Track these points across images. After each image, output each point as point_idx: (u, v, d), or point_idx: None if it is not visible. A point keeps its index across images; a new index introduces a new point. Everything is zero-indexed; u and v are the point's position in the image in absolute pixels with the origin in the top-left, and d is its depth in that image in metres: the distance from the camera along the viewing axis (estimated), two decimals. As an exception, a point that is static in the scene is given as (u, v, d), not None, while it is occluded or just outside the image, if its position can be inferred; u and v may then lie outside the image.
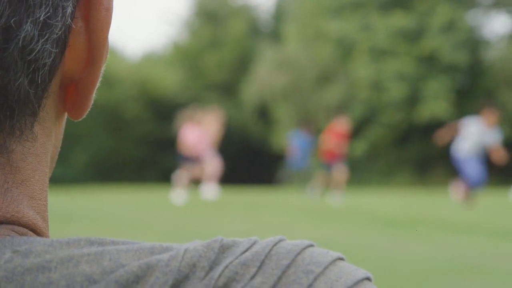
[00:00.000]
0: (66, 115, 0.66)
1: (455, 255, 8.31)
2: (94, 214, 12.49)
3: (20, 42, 0.55)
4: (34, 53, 0.56)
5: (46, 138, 0.61)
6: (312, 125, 22.28)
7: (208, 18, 37.91)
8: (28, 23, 0.55)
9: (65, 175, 25.14)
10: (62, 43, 0.59)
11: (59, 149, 0.67)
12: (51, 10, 0.56)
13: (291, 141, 21.74)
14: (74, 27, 0.59)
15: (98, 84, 0.63)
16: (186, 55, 37.50)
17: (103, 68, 0.63)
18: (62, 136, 0.66)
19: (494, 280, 6.85)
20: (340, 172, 18.79)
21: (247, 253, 0.56)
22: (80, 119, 0.65)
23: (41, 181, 0.61)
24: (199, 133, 17.80)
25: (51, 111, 0.61)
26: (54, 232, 0.67)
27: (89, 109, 0.64)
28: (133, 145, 31.30)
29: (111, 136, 30.29)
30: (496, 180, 27.00)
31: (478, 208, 15.05)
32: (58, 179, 22.93)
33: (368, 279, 0.58)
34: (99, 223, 11.10)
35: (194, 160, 17.76)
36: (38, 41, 0.56)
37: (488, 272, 7.21)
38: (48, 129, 0.61)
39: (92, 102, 0.64)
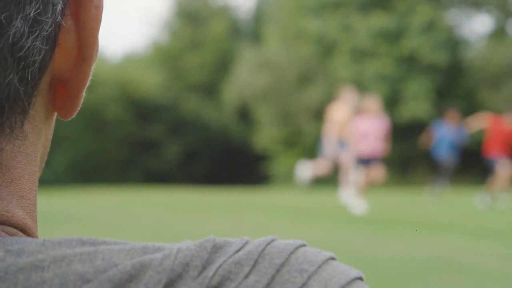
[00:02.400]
0: (55, 114, 0.65)
1: (435, 254, 8.35)
2: (76, 216, 12.46)
3: (10, 39, 0.54)
4: (24, 50, 0.55)
5: (36, 137, 0.61)
6: (456, 113, 19.03)
7: (189, 19, 37.89)
8: (18, 19, 0.54)
9: (47, 176, 24.98)
10: (52, 41, 0.58)
11: (49, 149, 0.67)
12: (41, 7, 0.56)
13: (433, 133, 19.01)
14: (64, 25, 0.59)
15: (88, 83, 0.63)
16: (166, 56, 37.49)
17: (93, 67, 0.64)
18: (51, 136, 0.66)
19: (474, 279, 6.89)
20: (506, 169, 16.70)
21: (240, 253, 0.56)
22: (69, 119, 0.65)
23: (31, 181, 0.61)
24: (373, 125, 14.75)
25: (40, 109, 0.61)
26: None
27: (78, 108, 0.64)
28: (114, 146, 31.24)
29: (92, 137, 30.21)
30: (474, 180, 27.15)
31: (458, 207, 15.12)
32: (39, 181, 22.78)
33: (361, 278, 0.58)
34: (81, 224, 11.08)
35: (366, 160, 14.68)
36: (28, 37, 0.55)
37: (468, 271, 7.26)
38: (38, 128, 0.61)
39: (82, 101, 0.64)
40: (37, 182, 0.62)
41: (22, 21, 0.55)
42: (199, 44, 36.98)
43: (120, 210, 14.03)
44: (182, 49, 37.05)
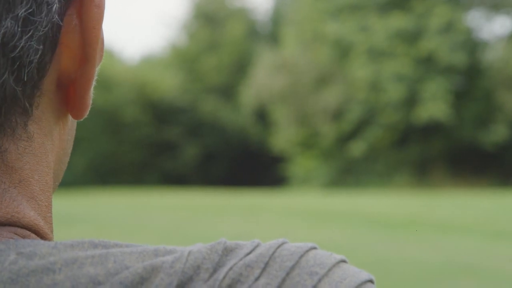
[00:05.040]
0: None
1: (451, 257, 8.32)
2: (92, 217, 12.51)
3: (0, 38, 0.54)
4: (18, 50, 0.55)
5: (45, 137, 0.60)
6: None
7: (206, 21, 37.93)
8: (8, 19, 0.54)
9: (64, 178, 24.80)
10: (51, 41, 0.58)
11: (69, 151, 0.67)
12: (33, 7, 0.55)
13: None
14: (61, 24, 0.58)
15: (93, 83, 0.62)
16: (184, 58, 37.54)
17: (98, 67, 0.63)
18: (70, 137, 0.66)
19: (490, 281, 6.87)
20: None
21: (251, 255, 0.56)
22: (81, 119, 0.64)
23: (42, 182, 0.60)
24: None
25: (48, 110, 0.60)
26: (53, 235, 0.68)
27: (88, 109, 0.63)
28: (131, 148, 31.31)
29: (110, 139, 30.31)
30: (492, 182, 27.04)
31: (475, 209, 15.07)
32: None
33: (371, 281, 0.58)
34: (98, 226, 11.12)
35: None
36: (21, 38, 0.55)
37: (484, 273, 7.23)
38: (47, 129, 0.60)
39: (90, 101, 0.63)
40: (51, 183, 0.62)
41: (12, 21, 0.54)
42: (216, 46, 37.02)
43: (137, 211, 14.07)
44: (200, 51, 37.10)
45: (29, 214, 0.58)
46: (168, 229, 11.04)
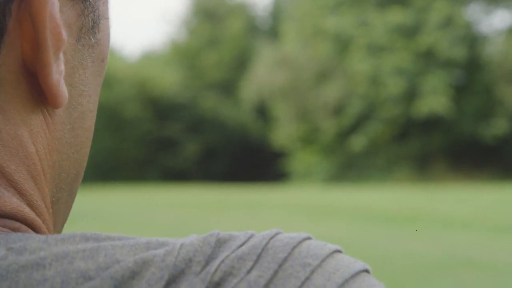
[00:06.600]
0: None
1: (452, 250, 8.35)
2: (95, 214, 12.53)
3: None
4: None
5: (17, 127, 0.58)
6: None
7: (206, 17, 37.92)
8: None
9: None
10: None
11: (73, 140, 0.65)
12: None
13: None
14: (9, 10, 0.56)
15: (53, 70, 0.59)
16: (184, 54, 37.53)
17: (53, 54, 0.59)
18: (70, 127, 0.63)
19: (490, 275, 6.89)
20: None
21: (244, 247, 0.55)
22: (58, 108, 0.61)
23: (22, 171, 0.58)
24: None
25: (13, 99, 0.58)
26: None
27: (60, 97, 0.60)
28: (133, 145, 31.31)
29: (111, 136, 30.28)
30: (493, 175, 27.04)
31: (475, 203, 15.09)
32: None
33: (366, 271, 0.57)
34: (99, 222, 11.14)
35: None
36: None
37: (484, 267, 7.25)
38: (18, 119, 0.58)
39: (58, 88, 0.59)
40: (37, 173, 0.60)
41: None
42: (217, 42, 37.01)
43: (139, 208, 14.10)
44: (200, 47, 37.09)
45: (11, 200, 0.57)
46: (170, 225, 11.07)
